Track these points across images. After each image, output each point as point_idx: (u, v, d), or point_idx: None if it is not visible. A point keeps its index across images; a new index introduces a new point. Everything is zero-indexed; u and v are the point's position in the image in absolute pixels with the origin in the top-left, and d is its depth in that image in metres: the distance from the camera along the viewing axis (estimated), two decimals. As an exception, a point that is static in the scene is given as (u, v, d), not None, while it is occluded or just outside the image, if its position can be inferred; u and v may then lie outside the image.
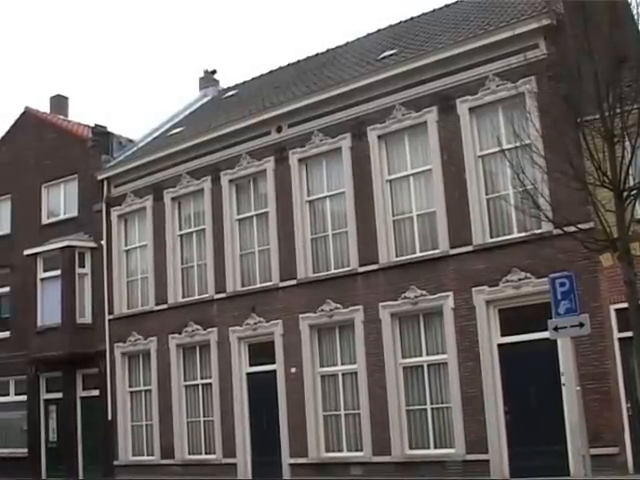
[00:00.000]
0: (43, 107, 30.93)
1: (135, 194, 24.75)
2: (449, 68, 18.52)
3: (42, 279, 25.95)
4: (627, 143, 13.40)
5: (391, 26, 25.16)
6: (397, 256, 19.10)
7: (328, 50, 26.61)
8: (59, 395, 25.87)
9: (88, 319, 25.30)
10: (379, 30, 25.47)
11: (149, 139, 27.60)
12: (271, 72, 28.28)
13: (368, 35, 25.70)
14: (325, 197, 20.75)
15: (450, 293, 17.92)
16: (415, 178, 19.21)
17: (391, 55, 21.02)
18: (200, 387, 22.64)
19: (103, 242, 25.27)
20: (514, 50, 17.16)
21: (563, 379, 15.99)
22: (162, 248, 23.70)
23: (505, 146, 16.76)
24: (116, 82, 66.28)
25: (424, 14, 24.38)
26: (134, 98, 64.10)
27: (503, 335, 17.31)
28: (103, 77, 66.82)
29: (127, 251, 25.19)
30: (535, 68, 16.56)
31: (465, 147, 18.12)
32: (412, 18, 24.66)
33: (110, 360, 24.58)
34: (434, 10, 24.20)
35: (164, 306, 23.43)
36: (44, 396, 26.51)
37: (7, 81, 66.23)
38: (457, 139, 18.24)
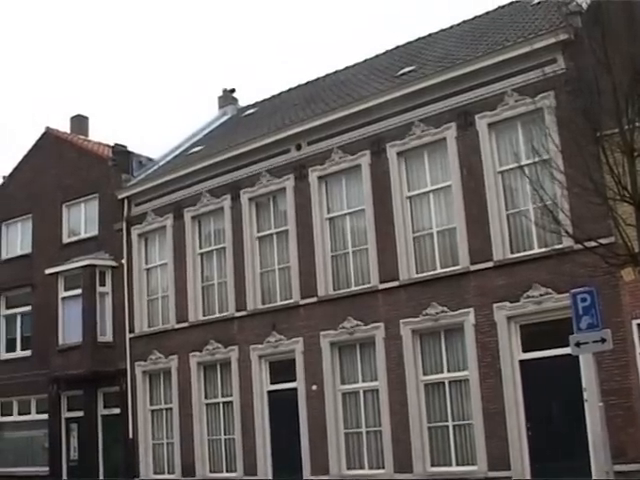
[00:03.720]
0: (64, 127, 31.35)
1: (155, 213, 24.96)
2: (468, 84, 18.64)
3: (63, 298, 26.18)
4: (647, 157, 13.41)
5: (409, 43, 25.33)
6: (418, 272, 19.17)
7: (346, 67, 26.81)
8: (80, 413, 26.00)
9: (109, 337, 25.49)
10: (397, 47, 25.64)
11: (169, 158, 27.85)
12: (290, 90, 28.49)
13: (386, 52, 25.86)
14: (345, 214, 20.86)
15: (471, 309, 17.95)
16: (435, 194, 19.31)
17: (409, 72, 21.16)
18: (221, 405, 22.73)
19: (124, 261, 25.46)
20: (532, 65, 17.32)
21: (585, 395, 15.96)
22: (182, 266, 23.87)
23: (524, 162, 16.93)
24: (136, 102, 66.96)
25: (442, 30, 24.52)
26: (154, 117, 64.67)
27: (525, 351, 17.30)
28: (123, 97, 67.48)
29: (147, 269, 25.37)
30: (553, 83, 16.70)
31: (484, 163, 18.20)
32: (430, 34, 24.81)
33: (131, 378, 24.73)
34: (452, 26, 24.33)
35: (185, 324, 23.56)
36: (65, 414, 26.68)
37: (28, 101, 67.10)
38: (476, 155, 18.32)
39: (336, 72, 27.06)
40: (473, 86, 18.54)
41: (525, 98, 17.50)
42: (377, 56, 26.01)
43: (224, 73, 62.71)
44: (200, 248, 23.95)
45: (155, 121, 63.83)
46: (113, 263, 25.78)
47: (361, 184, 20.41)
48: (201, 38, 67.35)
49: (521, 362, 17.26)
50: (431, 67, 20.32)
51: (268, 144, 22.26)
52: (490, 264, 17.80)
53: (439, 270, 18.83)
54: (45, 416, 27.03)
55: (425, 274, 19.00)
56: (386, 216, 19.66)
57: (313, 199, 21.15)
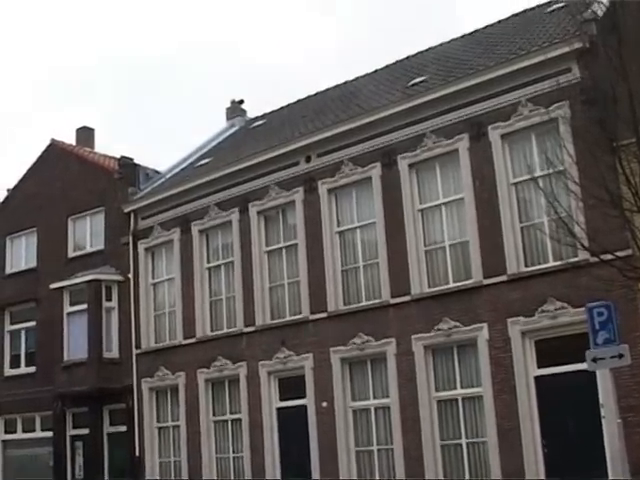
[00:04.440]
0: (69, 139, 31.47)
1: (162, 226, 25.02)
2: (480, 94, 18.65)
3: (68, 313, 26.24)
4: (664, 167, 13.35)
5: (420, 52, 25.41)
6: (430, 287, 19.14)
7: (356, 78, 26.88)
8: (86, 431, 25.96)
9: (115, 354, 25.51)
10: (407, 57, 25.72)
11: (176, 170, 27.93)
12: (298, 101, 28.56)
13: (396, 62, 25.94)
14: (355, 228, 20.88)
15: (484, 324, 17.89)
16: (447, 207, 19.30)
17: (420, 82, 21.19)
18: (229, 422, 22.69)
19: (130, 275, 25.50)
20: (546, 75, 17.34)
21: (603, 411, 15.86)
22: (190, 281, 23.90)
23: (538, 173, 16.94)
24: (142, 113, 67.20)
25: (453, 40, 24.59)
26: (161, 129, 64.80)
27: (540, 367, 17.23)
28: (129, 108, 67.75)
29: (154, 284, 25.42)
30: (568, 92, 16.73)
31: (498, 175, 18.18)
32: (441, 44, 24.87)
33: (137, 395, 24.71)
34: (463, 35, 24.40)
35: (192, 340, 23.56)
36: (70, 432, 26.64)
37: (33, 113, 67.46)
38: (489, 167, 18.31)
39: (345, 83, 27.14)
40: (486, 96, 18.56)
41: (539, 108, 17.50)
42: (387, 66, 26.09)
43: (232, 84, 62.83)
44: (208, 262, 23.99)
45: (162, 133, 64.11)
46: (119, 278, 25.82)
47: (372, 197, 20.42)
48: (209, 48, 67.74)
49: (536, 378, 17.19)
50: (443, 77, 20.34)
51: (277, 156, 22.32)
52: (504, 278, 17.75)
53: (451, 284, 18.79)
54: (50, 434, 26.99)
55: (437, 288, 18.97)
56: (397, 229, 19.64)
57: (323, 212, 21.16)
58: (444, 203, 19.33)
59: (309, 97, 28.28)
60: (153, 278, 25.49)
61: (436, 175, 19.53)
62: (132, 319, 25.21)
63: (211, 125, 52.43)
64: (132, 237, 25.76)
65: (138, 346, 25.03)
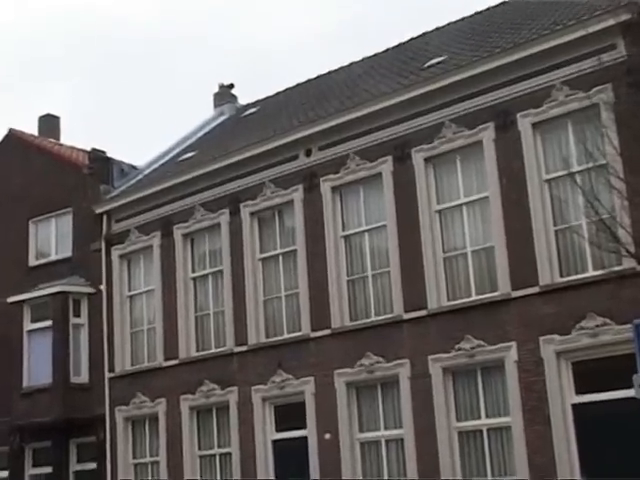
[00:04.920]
0: (30, 129, 31.51)
1: (140, 230, 25.07)
2: (508, 77, 18.66)
3: (29, 331, 26.27)
4: None
5: (438, 29, 25.51)
6: (449, 300, 19.15)
7: (364, 59, 27.00)
8: (48, 469, 25.73)
9: (84, 378, 25.50)
10: (424, 34, 25.84)
11: (156, 166, 28.02)
12: (298, 86, 28.67)
13: (411, 40, 26.07)
14: (363, 231, 20.92)
15: (513, 343, 17.88)
16: (469, 207, 19.30)
17: (439, 63, 21.24)
18: (217, 457, 22.67)
19: (102, 287, 25.54)
20: (586, 53, 17.34)
21: (651, 445, 15.82)
22: (172, 293, 23.94)
23: (576, 168, 16.94)
24: (117, 100, 67.16)
25: (477, 13, 24.72)
26: (138, 118, 64.89)
27: (578, 393, 17.20)
28: (101, 94, 67.75)
29: (131, 297, 25.46)
30: (612, 73, 16.65)
31: (528, 170, 18.16)
32: (463, 19, 24.99)
33: (110, 426, 24.69)
34: (488, 8, 24.48)
35: (174, 362, 23.58)
36: (30, 471, 26.47)
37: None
38: (518, 161, 18.30)
39: (351, 65, 27.23)
40: (515, 79, 18.56)
41: (577, 92, 17.50)
42: (400, 45, 26.22)
43: (221, 66, 63.03)
44: (193, 271, 24.04)
45: (140, 122, 64.23)
46: (90, 290, 25.88)
47: (382, 196, 20.45)
48: (194, 25, 67.82)
49: (574, 406, 17.15)
50: (464, 58, 20.37)
51: (273, 149, 22.37)
52: (535, 290, 17.75)
53: (474, 297, 18.80)
54: (5, 473, 26.69)
55: (458, 302, 18.97)
56: (412, 233, 19.65)
57: (326, 214, 21.20)
58: (466, 203, 19.33)
59: (309, 81, 28.39)
60: (129, 290, 25.52)
61: (456, 171, 19.53)
62: (104, 337, 25.20)
63: (196, 113, 52.74)
64: (104, 242, 25.80)
65: (111, 369, 25.01)
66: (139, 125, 64.17)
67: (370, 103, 20.88)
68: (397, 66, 23.66)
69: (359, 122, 20.89)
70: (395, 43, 26.40)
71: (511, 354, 17.87)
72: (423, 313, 19.26)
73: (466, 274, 19.12)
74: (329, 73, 27.77)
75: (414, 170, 19.86)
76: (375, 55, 26.62)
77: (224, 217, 23.21)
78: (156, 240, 24.64)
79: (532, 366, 17.58)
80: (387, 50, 26.45)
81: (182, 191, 24.24)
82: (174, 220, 24.29)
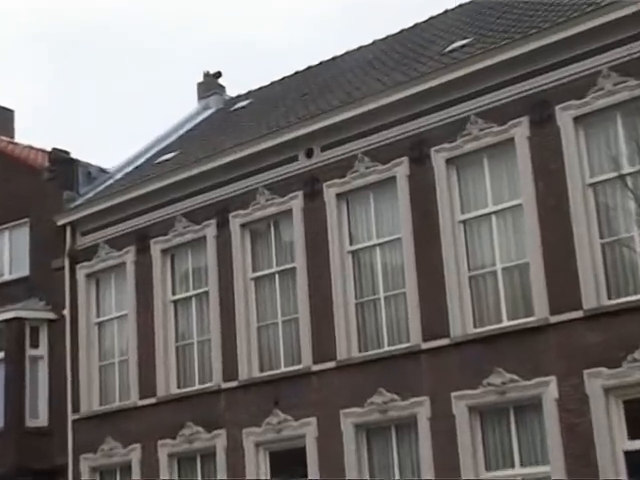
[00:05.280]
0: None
1: (111, 245, 25.15)
2: (544, 63, 18.73)
3: (-22, 364, 26.15)
4: None
5: (461, 6, 25.69)
6: (476, 326, 19.20)
7: (374, 42, 27.14)
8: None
9: (43, 420, 25.47)
10: (445, 11, 26.05)
11: (130, 169, 28.09)
12: (297, 74, 28.84)
13: (430, 19, 26.27)
14: (374, 246, 21.01)
15: (552, 377, 17.87)
16: (499, 217, 19.38)
17: (463, 47, 21.33)
18: (202, 514, 22.78)
19: (66, 312, 25.59)
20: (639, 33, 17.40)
21: None
22: (149, 319, 24.00)
23: (627, 169, 17.03)
24: (84, 92, 67.21)
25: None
26: (109, 113, 64.87)
27: (631, 438, 17.12)
28: (65, 85, 67.78)
29: (100, 324, 25.54)
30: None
31: (569, 172, 18.19)
32: (490, -6, 24.97)
33: (74, 477, 24.63)
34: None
35: (151, 400, 23.61)
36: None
37: None
38: (557, 161, 18.35)
39: (360, 49, 27.36)
40: (553, 65, 18.64)
41: (628, 80, 17.57)
42: (417, 26, 26.41)
43: (207, 54, 63.04)
44: (173, 293, 24.16)
45: (111, 118, 64.20)
46: (50, 315, 25.91)
47: (396, 204, 20.55)
48: (175, 9, 67.98)
49: (626, 454, 17.04)
50: (492, 40, 20.47)
51: (267, 149, 22.47)
52: (579, 314, 17.75)
53: (506, 323, 18.84)
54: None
55: (486, 328, 19.02)
56: (431, 248, 19.71)
57: (330, 225, 21.29)
58: (495, 212, 19.41)
59: (310, 69, 28.58)
60: (98, 315, 25.60)
61: (483, 173, 19.61)
62: (68, 372, 25.25)
63: (178, 107, 52.77)
64: (68, 259, 25.89)
65: (76, 409, 25.04)
66: (110, 121, 64.36)
67: (382, 95, 20.93)
68: (414, 51, 23.78)
69: (369, 117, 20.95)
70: (411, 23, 26.61)
71: (550, 390, 17.84)
72: (445, 342, 19.29)
73: (496, 296, 19.17)
74: (333, 59, 27.92)
75: (434, 173, 19.94)
76: (387, 38, 26.76)
77: (210, 229, 23.29)
78: (130, 256, 24.72)
79: (575, 405, 17.54)
80: (402, 32, 26.57)
81: (161, 199, 24.33)
82: (151, 233, 24.38)
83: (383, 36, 27.10)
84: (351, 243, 21.28)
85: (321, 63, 28.21)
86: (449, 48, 21.87)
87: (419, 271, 19.87)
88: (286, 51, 63.32)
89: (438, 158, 19.93)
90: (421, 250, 19.91)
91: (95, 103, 66.56)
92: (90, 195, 26.78)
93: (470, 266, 19.51)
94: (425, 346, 19.53)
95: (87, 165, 28.00)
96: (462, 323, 19.21)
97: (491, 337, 18.79)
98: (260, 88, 29.99)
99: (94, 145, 62.54)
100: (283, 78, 29.23)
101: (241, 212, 22.80)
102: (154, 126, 54.74)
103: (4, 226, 27.64)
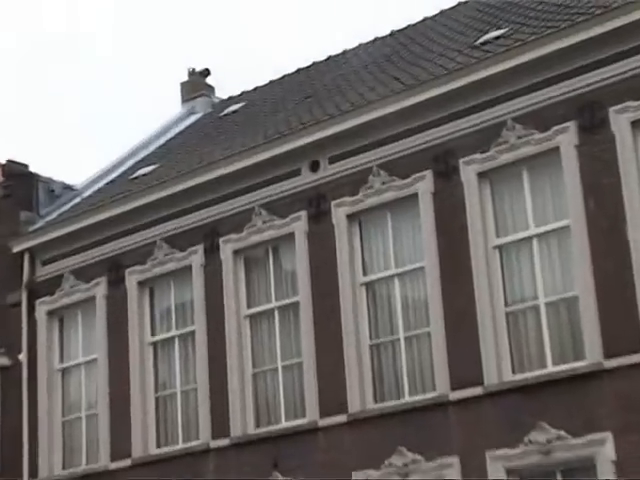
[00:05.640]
0: None
1: (78, 276, 25.22)
2: (598, 56, 18.68)
3: None
4: None
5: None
6: (514, 373, 19.15)
7: (392, 34, 27.26)
8: None
9: (-6, 487, 25.44)
10: (475, -2, 26.10)
11: (100, 185, 28.27)
12: (299, 72, 29.03)
13: (458, 5, 26.54)
14: (392, 276, 21.00)
15: (607, 434, 17.75)
16: (541, 241, 19.41)
17: (497, 38, 21.40)
18: None
19: (22, 356, 25.60)
20: None
21: None
22: (123, 365, 23.98)
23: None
24: (45, 96, 67.38)
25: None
26: (76, 120, 64.90)
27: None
28: (23, 89, 67.98)
29: (63, 370, 25.60)
30: None
31: (625, 186, 18.15)
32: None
33: None
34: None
35: (126, 462, 23.57)
36: None
37: None
38: (612, 173, 18.36)
39: (375, 41, 27.51)
40: (607, 59, 18.60)
41: None
42: (443, 13, 26.75)
43: (191, 45, 63.15)
44: (153, 334, 24.21)
45: (78, 125, 64.18)
46: (4, 361, 25.90)
47: (418, 226, 20.51)
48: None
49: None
50: (533, 29, 20.51)
51: (265, 162, 22.46)
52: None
53: (550, 369, 18.81)
54: None
55: (527, 375, 18.96)
56: (459, 278, 19.73)
57: (339, 251, 21.25)
58: (537, 235, 19.42)
59: (315, 65, 28.75)
60: (61, 360, 25.67)
61: (522, 189, 19.65)
62: (24, 429, 25.23)
63: (158, 112, 52.78)
64: (26, 293, 25.96)
65: (33, 474, 25.03)
66: (77, 129, 64.27)
67: (401, 96, 20.85)
68: (439, 43, 23.99)
69: (386, 123, 20.89)
70: (436, 10, 26.93)
71: (605, 450, 17.74)
72: (478, 391, 19.22)
73: (538, 336, 19.12)
74: (343, 54, 28.09)
75: (463, 188, 19.94)
76: (407, 28, 26.96)
77: (197, 257, 23.31)
78: (100, 289, 24.77)
79: (637, 467, 17.40)
80: (424, 20, 26.76)
81: (138, 221, 24.37)
82: (126, 261, 24.42)
83: (401, 26, 27.32)
84: (365, 273, 21.26)
85: (328, 59, 28.40)
86: (481, 39, 21.92)
87: (446, 307, 19.83)
88: (285, 44, 63.49)
89: (468, 171, 19.90)
90: (448, 281, 19.88)
91: (61, 108, 66.57)
92: (53, 216, 26.91)
93: (507, 300, 19.50)
94: (454, 396, 19.47)
95: (49, 181, 28.14)
96: (498, 369, 19.15)
97: (533, 385, 18.69)
98: (255, 89, 30.14)
99: (58, 157, 62.47)
100: (283, 77, 29.39)
101: (234, 236, 22.80)
102: (129, 134, 54.55)
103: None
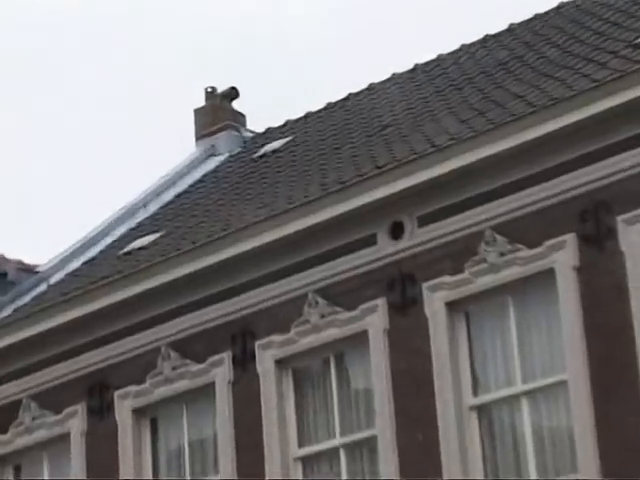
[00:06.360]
0: None
1: (42, 403, 25.21)
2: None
3: None
4: None
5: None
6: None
7: (511, 28, 27.62)
8: None
9: None
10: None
11: (75, 265, 28.37)
12: (370, 89, 29.05)
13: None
14: (519, 395, 20.48)
15: None
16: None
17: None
18: None
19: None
20: None
21: None
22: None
23: None
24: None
25: None
26: (41, 168, 65.53)
27: None
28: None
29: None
30: None
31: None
32: None
33: None
34: None
35: None
36: None
37: None
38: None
39: (486, 39, 27.85)
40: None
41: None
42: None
43: (208, 61, 63.67)
44: (160, 480, 24.14)
45: (45, 177, 64.83)
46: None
47: (558, 318, 19.88)
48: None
49: None
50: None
51: (318, 226, 22.00)
52: None
53: None
54: None
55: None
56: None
57: (435, 361, 20.88)
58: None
59: (395, 77, 29.03)
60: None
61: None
62: None
63: (161, 154, 53.07)
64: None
65: None
66: (43, 190, 65.00)
67: (546, 117, 20.10)
68: (578, 38, 24.24)
69: (510, 159, 20.25)
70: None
71: None
72: None
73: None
74: (437, 59, 28.53)
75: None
76: (533, 20, 27.30)
77: (222, 370, 22.95)
78: (76, 423, 24.48)
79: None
80: (548, 13, 27.03)
81: (134, 317, 24.17)
82: (114, 380, 24.08)
83: (518, 20, 27.90)
84: (475, 392, 20.90)
85: (414, 69, 28.48)
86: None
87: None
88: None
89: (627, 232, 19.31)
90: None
91: (26, 159, 67.49)
92: (5, 313, 26.83)
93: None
94: None
95: (6, 262, 28.27)
96: None
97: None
98: (306, 116, 29.73)
99: (14, 228, 62.59)
100: (348, 97, 29.31)
101: (277, 338, 22.31)
102: (119, 189, 54.86)
103: None
